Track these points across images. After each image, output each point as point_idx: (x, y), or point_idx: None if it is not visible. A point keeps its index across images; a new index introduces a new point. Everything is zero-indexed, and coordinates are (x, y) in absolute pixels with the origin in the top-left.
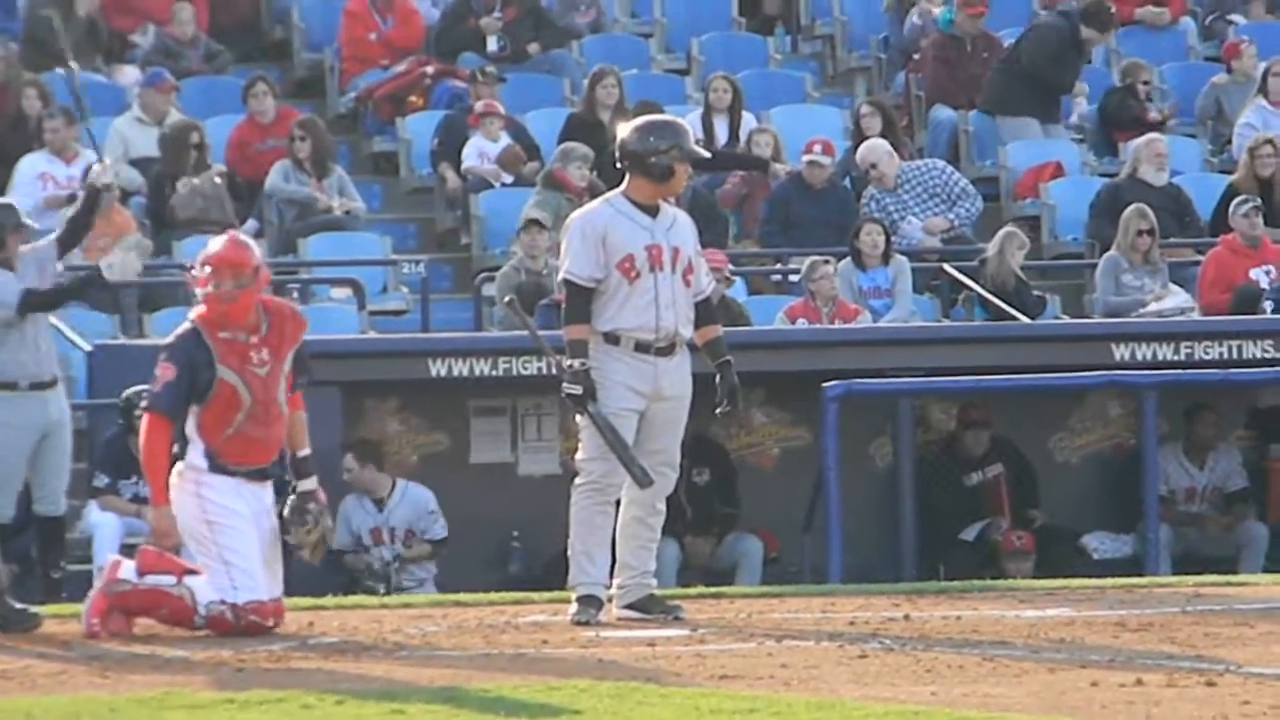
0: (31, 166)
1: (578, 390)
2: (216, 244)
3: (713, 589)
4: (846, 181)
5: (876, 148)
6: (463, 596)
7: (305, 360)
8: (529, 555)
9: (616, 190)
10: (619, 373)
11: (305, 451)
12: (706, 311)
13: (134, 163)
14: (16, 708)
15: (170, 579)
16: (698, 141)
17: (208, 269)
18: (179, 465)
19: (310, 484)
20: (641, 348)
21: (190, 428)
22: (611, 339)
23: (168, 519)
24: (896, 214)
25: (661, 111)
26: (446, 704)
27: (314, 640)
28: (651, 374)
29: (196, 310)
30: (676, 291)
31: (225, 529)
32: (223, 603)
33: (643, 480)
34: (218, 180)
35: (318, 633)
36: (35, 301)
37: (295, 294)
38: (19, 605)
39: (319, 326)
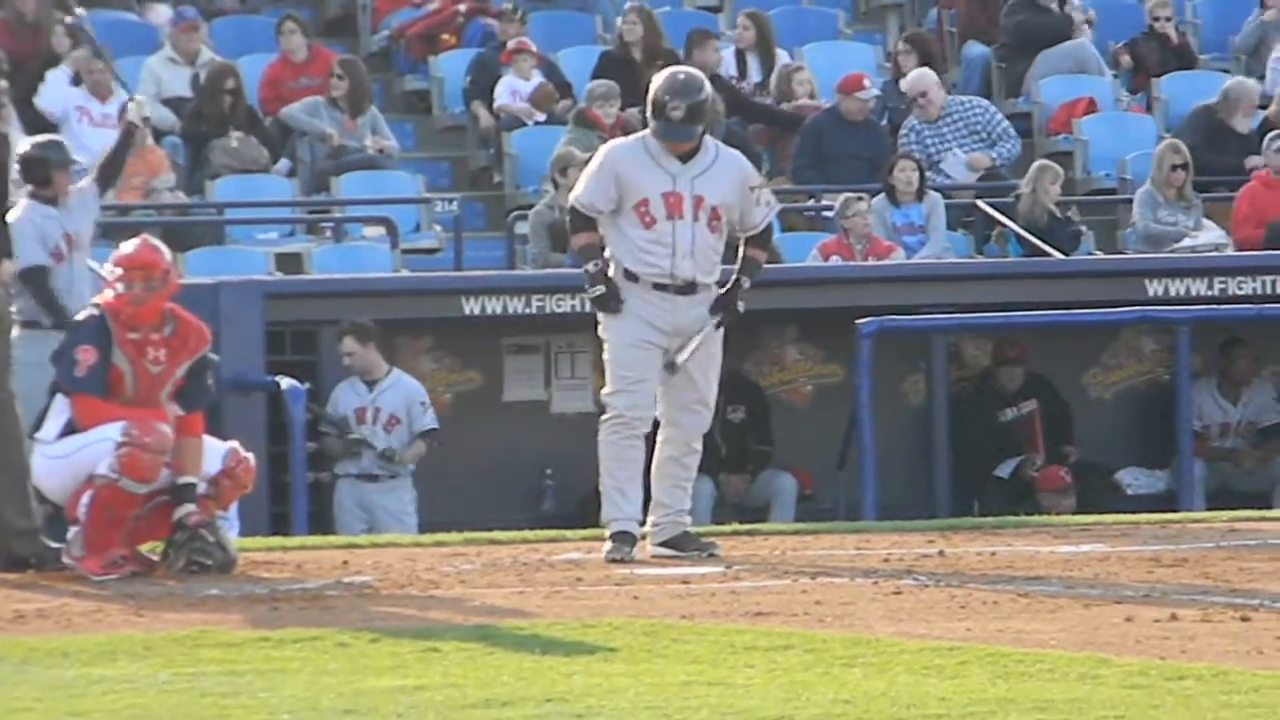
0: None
1: (600, 291)
2: (129, 246)
3: (747, 526)
4: (884, 118)
5: (925, 77)
6: (496, 534)
7: (205, 382)
8: (562, 493)
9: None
10: (637, 307)
11: (187, 479)
12: (756, 239)
13: (166, 102)
14: (53, 646)
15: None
16: (731, 79)
17: (119, 270)
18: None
19: (181, 511)
20: (660, 287)
21: (65, 409)
22: (631, 276)
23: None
24: (934, 147)
25: (677, 60)
26: (481, 642)
27: (348, 579)
28: (670, 310)
29: (104, 297)
30: (697, 239)
31: (79, 441)
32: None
33: None
34: (240, 136)
35: (352, 571)
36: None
37: (328, 233)
38: (54, 544)
39: (352, 265)
